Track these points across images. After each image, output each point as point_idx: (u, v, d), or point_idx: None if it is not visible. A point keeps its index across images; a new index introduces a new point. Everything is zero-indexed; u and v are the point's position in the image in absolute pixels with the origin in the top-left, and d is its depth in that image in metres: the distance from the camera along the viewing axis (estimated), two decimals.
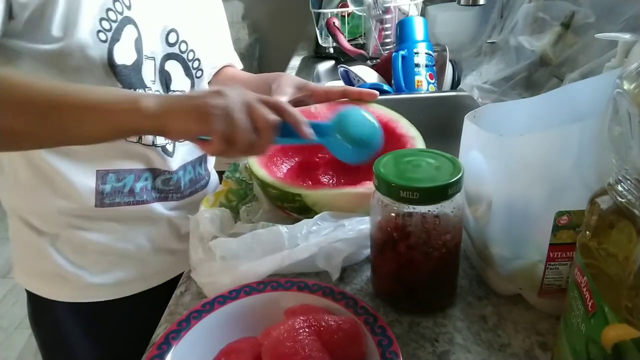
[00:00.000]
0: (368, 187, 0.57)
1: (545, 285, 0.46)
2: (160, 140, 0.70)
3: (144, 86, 0.66)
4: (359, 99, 0.73)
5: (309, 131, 0.55)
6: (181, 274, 0.61)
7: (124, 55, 0.62)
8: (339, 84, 1.14)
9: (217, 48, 0.84)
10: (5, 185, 0.69)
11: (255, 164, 0.64)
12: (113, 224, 0.70)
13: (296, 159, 0.71)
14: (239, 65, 0.91)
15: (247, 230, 0.57)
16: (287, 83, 0.74)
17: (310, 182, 0.67)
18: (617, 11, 0.82)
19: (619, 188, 0.31)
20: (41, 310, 0.74)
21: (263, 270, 0.51)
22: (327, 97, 0.75)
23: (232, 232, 0.59)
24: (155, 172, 0.71)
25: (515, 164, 0.45)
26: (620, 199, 0.31)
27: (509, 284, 0.50)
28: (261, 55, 2.72)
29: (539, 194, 0.44)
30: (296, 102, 0.76)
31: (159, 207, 0.73)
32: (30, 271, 0.72)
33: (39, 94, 0.49)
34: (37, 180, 0.65)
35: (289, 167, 0.69)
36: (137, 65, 0.64)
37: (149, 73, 0.66)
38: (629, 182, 0.30)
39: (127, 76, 0.63)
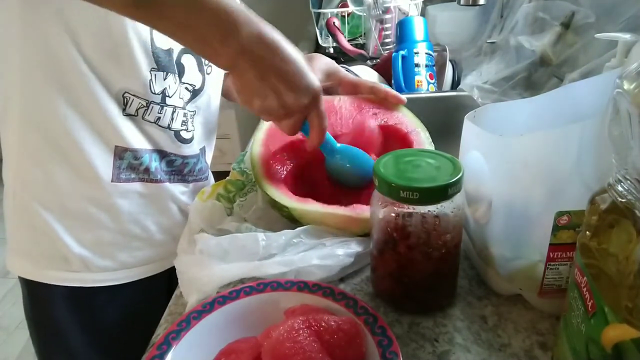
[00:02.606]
0: (357, 211, 0.57)
1: (545, 285, 0.46)
2: (177, 125, 0.71)
3: (174, 72, 0.68)
4: (385, 99, 0.73)
5: (320, 138, 0.57)
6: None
7: (160, 38, 0.64)
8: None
9: None
10: (14, 161, 0.68)
11: (257, 157, 0.63)
12: (124, 205, 0.70)
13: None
14: None
15: (233, 229, 0.58)
16: (317, 68, 0.73)
17: (310, 189, 0.66)
18: (617, 11, 0.82)
19: (619, 188, 0.31)
20: (37, 300, 0.74)
21: (231, 274, 0.51)
22: (354, 90, 0.75)
23: (219, 228, 0.60)
24: (162, 154, 0.71)
25: (515, 164, 0.45)
26: (620, 199, 0.31)
27: (509, 284, 0.50)
28: None
29: (539, 194, 0.44)
30: (323, 90, 0.76)
31: (171, 188, 0.74)
32: (29, 254, 0.71)
33: None
34: (52, 153, 0.64)
35: (296, 164, 0.68)
36: (168, 52, 0.66)
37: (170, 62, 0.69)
38: (629, 182, 0.30)
39: (163, 59, 0.65)
